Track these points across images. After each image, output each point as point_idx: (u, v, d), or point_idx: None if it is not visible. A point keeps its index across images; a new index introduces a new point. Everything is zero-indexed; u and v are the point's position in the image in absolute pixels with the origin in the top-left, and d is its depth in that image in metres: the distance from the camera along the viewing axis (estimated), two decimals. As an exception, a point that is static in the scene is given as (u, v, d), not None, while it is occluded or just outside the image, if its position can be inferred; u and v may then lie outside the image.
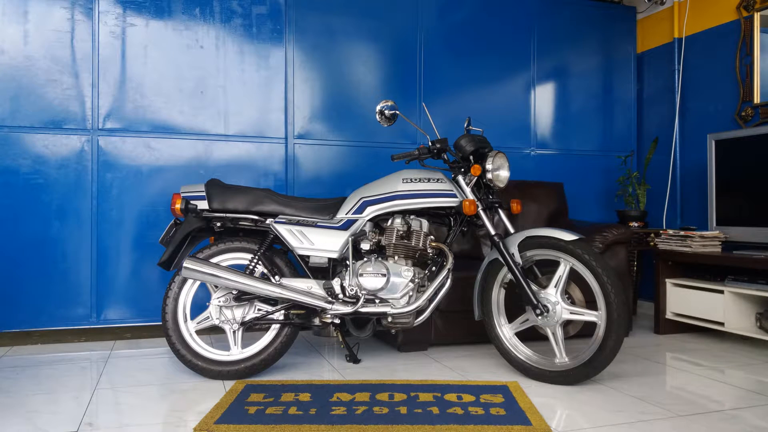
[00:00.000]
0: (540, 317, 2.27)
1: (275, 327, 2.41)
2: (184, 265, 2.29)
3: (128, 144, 3.10)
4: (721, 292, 2.98)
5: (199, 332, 2.43)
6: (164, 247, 2.47)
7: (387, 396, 2.08)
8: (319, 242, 2.40)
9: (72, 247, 3.00)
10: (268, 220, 2.45)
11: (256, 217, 2.45)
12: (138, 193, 3.10)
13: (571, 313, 2.25)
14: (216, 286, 2.40)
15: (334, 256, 2.40)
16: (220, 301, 2.38)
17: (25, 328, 2.94)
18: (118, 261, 3.07)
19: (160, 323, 2.94)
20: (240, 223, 2.46)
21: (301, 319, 2.38)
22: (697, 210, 3.78)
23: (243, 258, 2.46)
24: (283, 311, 2.40)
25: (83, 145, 3.03)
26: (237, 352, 2.38)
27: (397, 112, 2.46)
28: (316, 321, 2.38)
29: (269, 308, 2.41)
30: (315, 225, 2.43)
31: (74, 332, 3.05)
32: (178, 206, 2.39)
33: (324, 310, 2.33)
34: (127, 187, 3.09)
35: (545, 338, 2.36)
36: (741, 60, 3.48)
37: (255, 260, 2.41)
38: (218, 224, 2.45)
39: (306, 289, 2.36)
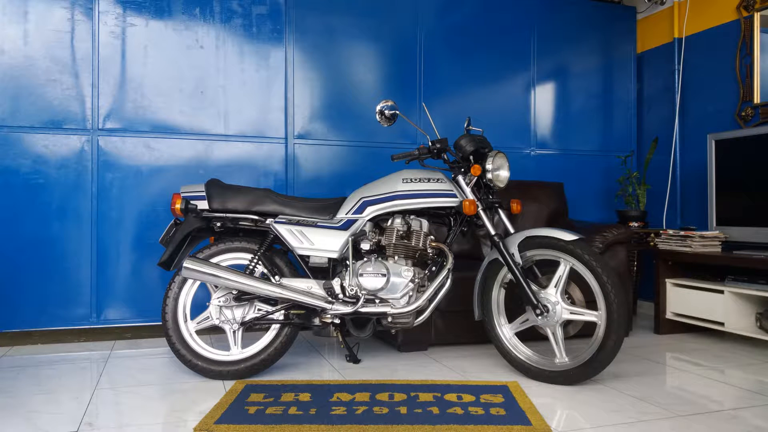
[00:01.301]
0: (540, 317, 2.27)
1: (275, 327, 2.41)
2: (184, 265, 2.29)
3: (128, 144, 3.10)
4: (721, 292, 2.98)
5: (199, 332, 2.43)
6: (164, 247, 2.47)
7: (387, 396, 2.08)
8: (319, 242, 2.40)
9: (72, 247, 3.00)
10: (268, 220, 2.45)
11: (256, 217, 2.45)
12: (138, 193, 3.10)
13: (571, 313, 2.25)
14: (216, 286, 2.40)
15: (334, 256, 2.40)
16: (220, 301, 2.38)
17: (26, 328, 2.94)
18: (118, 261, 3.07)
19: (160, 323, 2.94)
20: (240, 223, 2.46)
21: (301, 319, 2.38)
22: (697, 210, 3.78)
23: (243, 258, 2.46)
24: (283, 311, 2.40)
25: (83, 145, 3.03)
26: (237, 352, 2.38)
27: (397, 112, 2.46)
28: (316, 321, 2.38)
29: (269, 308, 2.41)
30: (315, 225, 2.43)
31: (74, 332, 3.05)
32: (178, 206, 2.39)
33: (324, 310, 2.33)
34: (127, 187, 3.09)
35: (545, 338, 2.36)
36: (741, 60, 3.48)
37: (255, 260, 2.41)
38: (218, 224, 2.45)
39: (306, 289, 2.36)
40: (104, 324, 3.06)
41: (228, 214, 2.44)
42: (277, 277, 2.39)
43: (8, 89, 2.92)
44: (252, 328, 2.48)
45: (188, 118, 3.21)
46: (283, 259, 2.47)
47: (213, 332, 3.09)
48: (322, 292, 2.36)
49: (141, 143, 3.12)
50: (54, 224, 2.97)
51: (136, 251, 3.10)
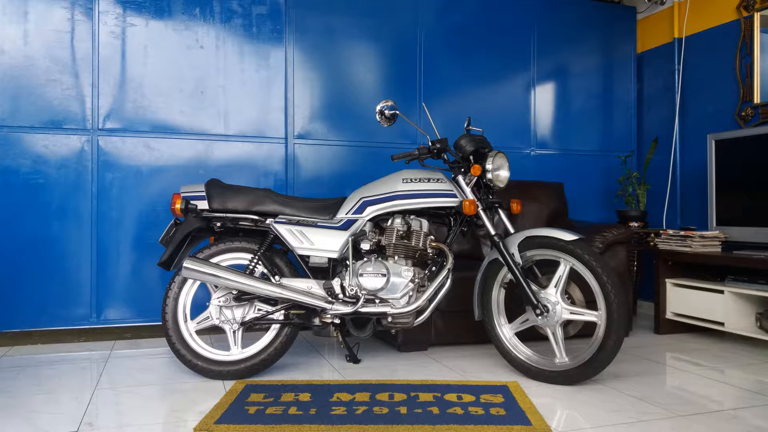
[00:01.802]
0: (540, 317, 2.27)
1: (275, 327, 2.41)
2: (184, 265, 2.29)
3: (128, 144, 3.10)
4: (721, 292, 2.98)
5: (199, 332, 2.43)
6: (164, 247, 2.47)
7: (387, 396, 2.08)
8: (319, 242, 2.40)
9: (72, 247, 3.00)
10: (268, 220, 2.45)
11: (256, 217, 2.45)
12: (138, 193, 3.10)
13: (571, 313, 2.25)
14: (216, 286, 2.40)
15: (334, 256, 2.40)
16: (220, 301, 2.38)
17: (26, 328, 2.94)
18: (118, 261, 3.07)
19: (160, 323, 2.95)
20: (240, 223, 2.46)
21: (301, 319, 2.38)
22: (697, 210, 3.79)
23: (243, 258, 2.46)
24: (283, 311, 2.40)
25: (83, 145, 3.03)
26: (237, 352, 2.38)
27: (397, 112, 2.46)
28: (316, 321, 2.38)
29: (269, 308, 2.41)
30: (315, 225, 2.43)
31: (74, 332, 3.05)
32: (178, 206, 2.39)
33: (324, 310, 2.33)
34: (127, 187, 3.09)
35: (545, 338, 2.36)
36: (741, 60, 3.48)
37: (255, 260, 2.41)
38: (218, 224, 2.45)
39: (306, 289, 2.36)
40: (104, 324, 3.06)
41: (228, 214, 2.44)
42: (277, 277, 2.39)
43: (8, 89, 2.92)
44: (252, 328, 2.48)
45: (188, 118, 3.21)
46: (283, 259, 2.47)
47: (213, 332, 3.09)
48: (322, 292, 2.36)
49: (141, 143, 3.12)
50: (54, 224, 2.98)
51: (136, 251, 3.10)
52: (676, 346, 3.00)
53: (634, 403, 2.06)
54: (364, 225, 2.44)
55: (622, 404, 2.05)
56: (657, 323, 3.32)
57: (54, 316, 2.97)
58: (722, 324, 2.98)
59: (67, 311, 2.99)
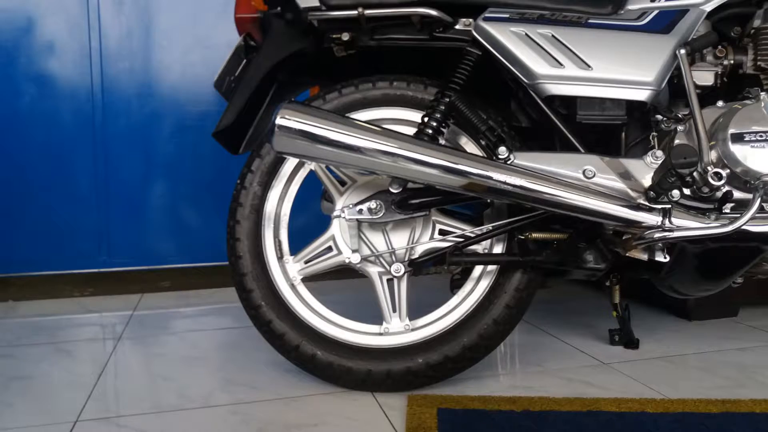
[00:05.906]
0: None
1: (488, 272, 1.03)
2: (279, 119, 0.92)
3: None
4: None
5: (306, 280, 1.09)
6: (222, 100, 1.13)
7: None
8: (604, 61, 0.97)
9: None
10: (465, 20, 1.03)
11: (435, 14, 1.03)
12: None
13: None
14: (349, 179, 1.04)
15: (642, 97, 0.97)
16: (359, 210, 1.01)
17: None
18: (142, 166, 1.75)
19: (223, 264, 1.64)
20: (394, 34, 1.06)
21: (562, 254, 0.99)
22: None
23: (400, 117, 1.08)
24: (505, 236, 1.02)
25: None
26: (400, 327, 1.03)
27: None
28: (591, 261, 0.99)
29: (469, 229, 1.03)
30: (581, 24, 1.01)
31: (74, 280, 1.76)
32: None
33: (632, 227, 0.92)
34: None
35: None
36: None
37: (437, 116, 1.01)
38: (344, 38, 1.05)
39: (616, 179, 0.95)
40: (121, 267, 1.77)
41: (370, 11, 1.03)
42: (502, 149, 0.98)
43: None
44: (422, 272, 1.10)
45: None
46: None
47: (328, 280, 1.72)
48: (622, 185, 0.95)
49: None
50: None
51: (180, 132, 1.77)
52: None
53: None
54: (700, 23, 1.00)
55: None
56: None
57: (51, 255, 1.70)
58: None
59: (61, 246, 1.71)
